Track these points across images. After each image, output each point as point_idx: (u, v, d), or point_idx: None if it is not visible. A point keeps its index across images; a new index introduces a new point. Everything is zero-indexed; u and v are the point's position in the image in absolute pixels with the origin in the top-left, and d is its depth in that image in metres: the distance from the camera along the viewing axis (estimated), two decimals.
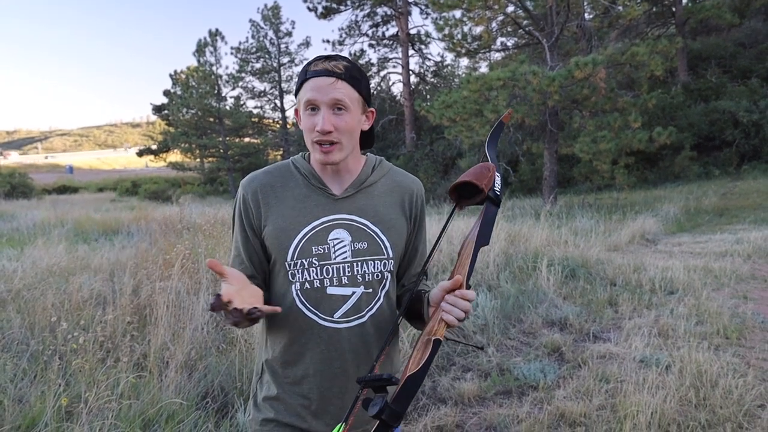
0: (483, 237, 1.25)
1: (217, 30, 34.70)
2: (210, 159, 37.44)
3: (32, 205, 22.62)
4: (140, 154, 42.63)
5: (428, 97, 31.11)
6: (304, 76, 1.29)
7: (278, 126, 37.96)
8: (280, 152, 37.29)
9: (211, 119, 34.78)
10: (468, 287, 1.21)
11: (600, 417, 3.27)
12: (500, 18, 19.41)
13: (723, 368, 3.77)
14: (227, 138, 35.17)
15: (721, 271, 6.74)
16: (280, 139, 36.35)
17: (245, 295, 1.10)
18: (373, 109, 1.39)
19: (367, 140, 1.42)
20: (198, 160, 38.48)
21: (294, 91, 1.37)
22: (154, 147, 41.73)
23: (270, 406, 1.37)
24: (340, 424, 1.08)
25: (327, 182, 1.36)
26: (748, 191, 15.96)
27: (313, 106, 1.27)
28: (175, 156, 39.53)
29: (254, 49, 35.62)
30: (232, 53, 35.95)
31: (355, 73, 1.29)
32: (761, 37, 25.30)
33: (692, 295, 5.67)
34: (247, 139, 37.82)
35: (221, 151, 35.12)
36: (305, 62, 1.36)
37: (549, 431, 3.15)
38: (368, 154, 1.46)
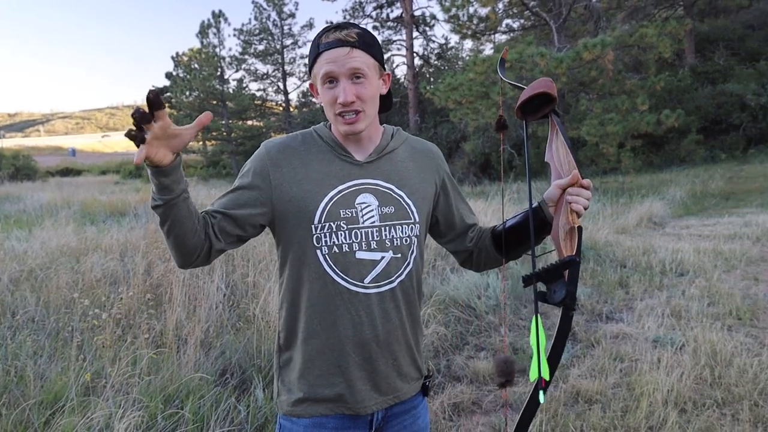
0: (568, 140, 1.33)
1: (220, 11, 34.38)
2: (213, 142, 37.33)
3: (37, 187, 22.65)
4: None
5: (432, 79, 30.89)
6: (317, 50, 1.28)
7: (281, 109, 37.78)
8: (283, 135, 37.16)
9: (214, 102, 34.58)
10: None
11: (616, 395, 3.30)
12: None
13: (737, 348, 3.79)
14: (230, 121, 35.04)
15: (731, 253, 6.74)
16: (283, 122, 36.18)
17: (161, 143, 1.10)
18: (388, 72, 1.38)
19: (385, 103, 1.41)
20: (201, 142, 38.37)
21: (307, 67, 1.36)
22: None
23: (299, 385, 1.34)
24: (535, 317, 1.13)
25: (350, 149, 1.36)
26: (754, 175, 15.88)
27: (331, 79, 1.27)
28: None
29: (257, 31, 35.30)
30: (234, 35, 35.63)
31: (368, 39, 1.29)
32: None
33: (703, 277, 5.68)
34: (250, 122, 37.65)
35: (224, 133, 35.00)
36: (314, 36, 1.32)
37: (566, 408, 3.18)
38: (385, 124, 1.46)
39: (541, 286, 1.20)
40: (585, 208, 1.25)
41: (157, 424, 2.66)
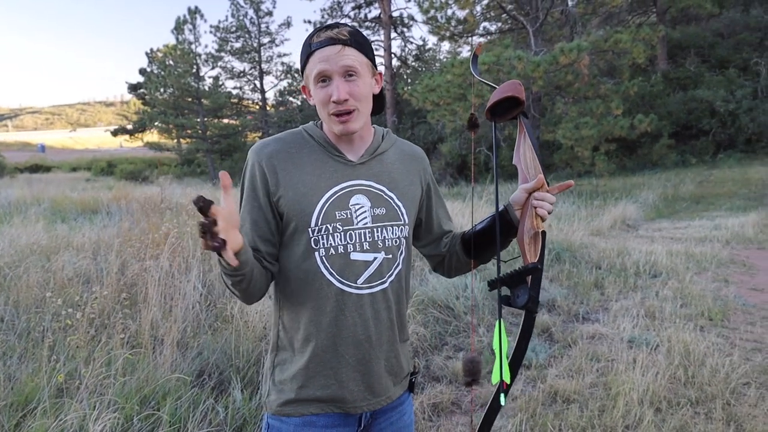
0: (535, 143, 1.38)
1: (196, 7, 33.92)
2: (187, 140, 36.83)
3: (5, 184, 22.04)
4: (115, 133, 41.74)
5: (409, 80, 30.99)
6: (309, 50, 1.27)
7: (258, 107, 37.46)
8: (259, 134, 36.85)
9: (189, 99, 34.12)
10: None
11: (593, 394, 3.34)
12: (485, 2, 19.37)
13: (709, 348, 3.87)
14: (205, 119, 34.61)
15: (702, 255, 6.89)
16: (260, 120, 35.89)
17: (230, 230, 1.07)
18: (380, 71, 1.38)
19: (377, 104, 1.40)
20: (175, 140, 37.84)
21: (300, 68, 1.34)
22: (129, 127, 40.93)
23: (291, 386, 1.33)
24: (498, 321, 1.16)
25: (342, 150, 1.35)
26: (723, 179, 16.28)
27: (324, 78, 1.26)
28: (151, 136, 38.82)
29: (234, 28, 34.93)
30: (211, 32, 35.22)
31: (359, 38, 1.28)
32: (739, 27, 25.64)
33: (675, 279, 5.79)
34: (225, 120, 37.23)
35: (199, 131, 34.53)
36: (305, 37, 1.31)
37: (544, 408, 3.20)
38: (375, 125, 1.45)
39: (505, 291, 1.26)
40: (549, 213, 1.30)
41: (133, 426, 2.60)
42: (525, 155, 1.37)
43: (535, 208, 1.30)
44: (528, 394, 3.38)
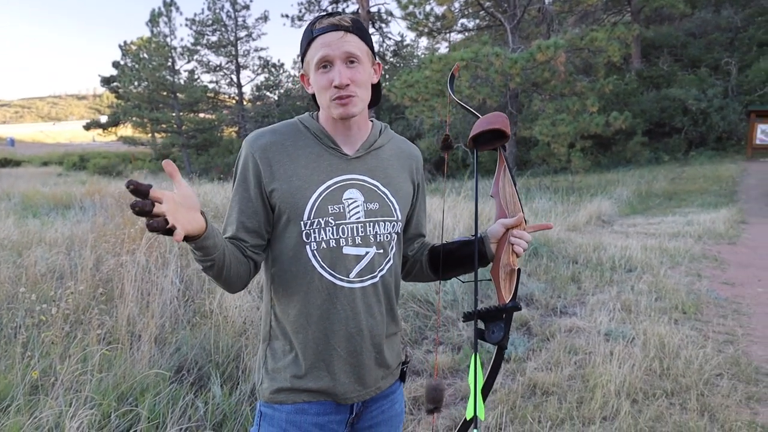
0: (514, 177, 1.40)
1: (172, 0, 33.42)
2: (163, 134, 36.28)
3: None
4: (87, 127, 40.93)
5: (387, 76, 30.96)
6: (310, 36, 1.27)
7: (234, 102, 37.07)
8: (236, 129, 36.53)
9: (164, 93, 33.63)
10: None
11: (571, 386, 3.39)
12: None
13: (683, 340, 3.96)
14: (181, 113, 34.14)
15: (675, 250, 7.03)
16: (236, 115, 35.53)
17: (183, 211, 1.04)
18: (379, 62, 1.37)
19: (374, 96, 1.40)
20: (150, 135, 37.25)
21: (300, 56, 1.33)
22: (102, 120, 40.16)
23: (284, 374, 1.34)
24: (474, 355, 1.20)
25: (339, 142, 1.34)
26: (695, 176, 16.64)
27: (325, 63, 1.26)
28: (125, 130, 38.17)
29: (210, 22, 34.48)
30: (186, 25, 34.69)
31: (361, 26, 1.29)
32: (710, 27, 26.20)
33: (650, 273, 5.90)
34: (201, 115, 36.77)
35: (174, 126, 34.08)
36: (307, 24, 1.32)
37: (523, 400, 3.24)
38: (373, 119, 1.44)
39: (479, 324, 1.29)
40: (524, 250, 1.35)
41: (110, 423, 2.56)
42: (504, 189, 1.40)
43: (512, 245, 1.34)
44: (507, 386, 3.41)
